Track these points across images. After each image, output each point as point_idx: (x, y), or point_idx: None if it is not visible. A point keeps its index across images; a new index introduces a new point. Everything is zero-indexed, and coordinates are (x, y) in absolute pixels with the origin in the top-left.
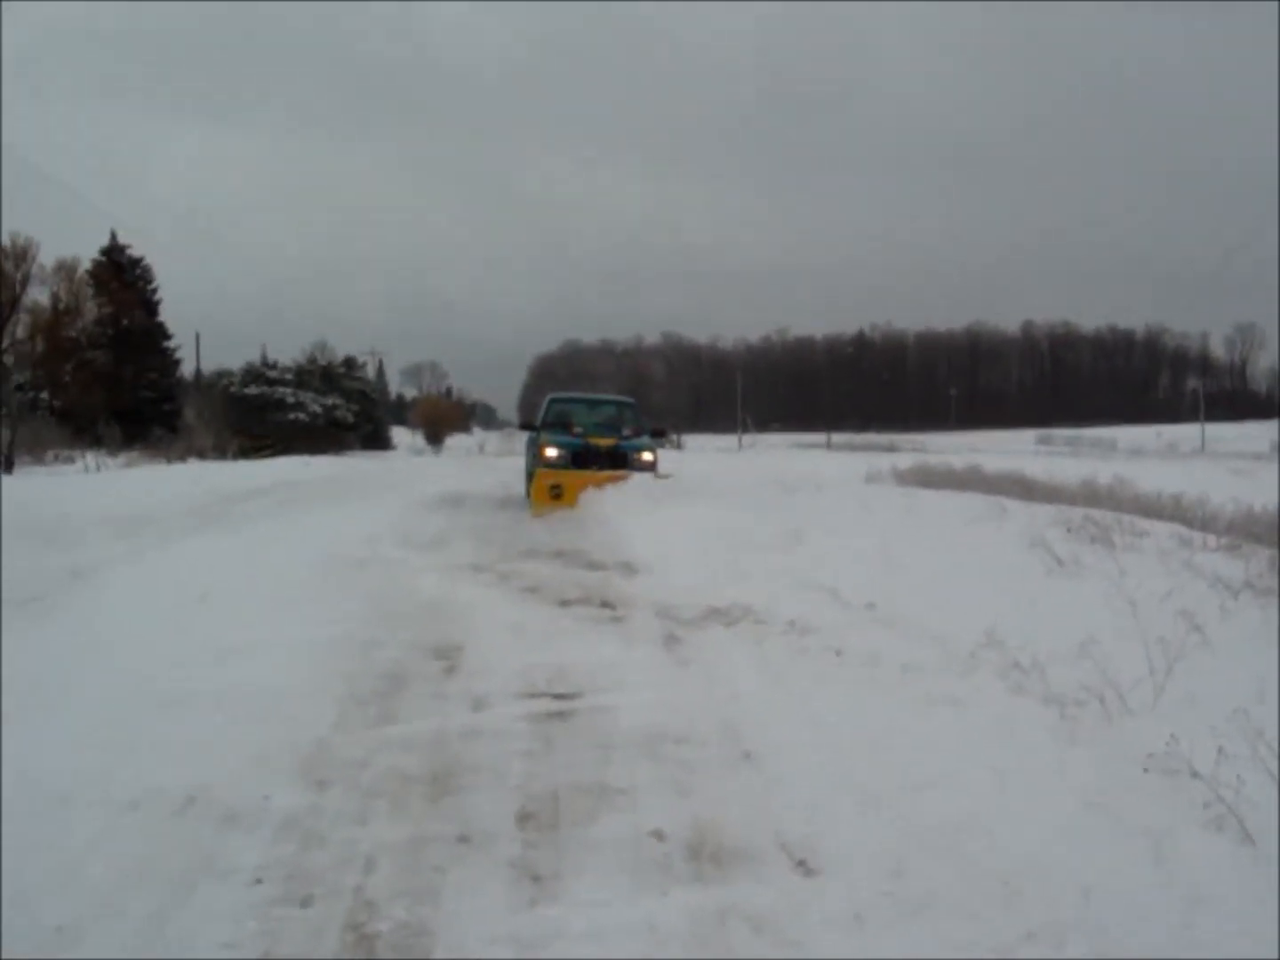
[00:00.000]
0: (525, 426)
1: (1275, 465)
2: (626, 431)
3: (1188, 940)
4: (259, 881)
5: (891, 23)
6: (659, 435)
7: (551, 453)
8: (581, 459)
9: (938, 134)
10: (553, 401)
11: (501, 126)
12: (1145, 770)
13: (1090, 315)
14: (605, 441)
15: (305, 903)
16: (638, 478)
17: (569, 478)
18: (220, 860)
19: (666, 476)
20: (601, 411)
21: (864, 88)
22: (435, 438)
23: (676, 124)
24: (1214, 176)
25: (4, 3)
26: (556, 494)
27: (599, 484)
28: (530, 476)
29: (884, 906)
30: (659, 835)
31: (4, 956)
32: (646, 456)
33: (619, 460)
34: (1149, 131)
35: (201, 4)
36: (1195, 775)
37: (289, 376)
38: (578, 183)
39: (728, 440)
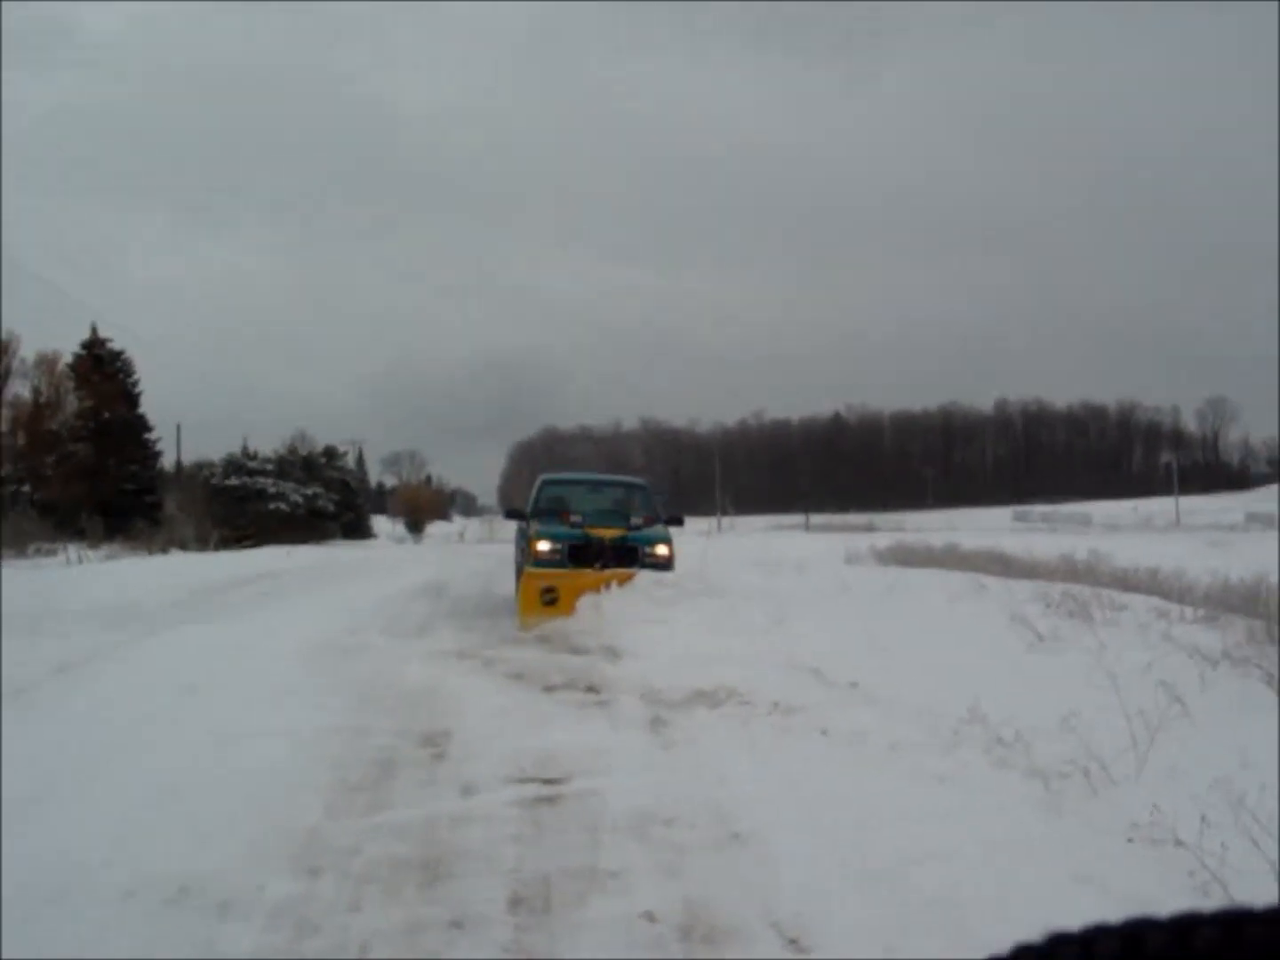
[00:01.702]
0: (512, 515)
1: (1250, 537)
2: (636, 520)
3: None
4: None
5: (847, 100)
6: (675, 524)
7: (544, 547)
8: (581, 555)
9: (909, 217)
10: (546, 484)
11: (477, 216)
12: (1130, 840)
13: (1063, 392)
14: (610, 533)
15: None
16: (645, 576)
17: (566, 580)
18: (215, 949)
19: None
20: (605, 495)
21: (835, 170)
22: (416, 526)
23: (650, 213)
24: (1183, 254)
25: None
26: (550, 600)
27: (603, 586)
28: (520, 576)
29: None
30: (650, 917)
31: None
32: (661, 551)
33: (627, 556)
34: (1120, 211)
35: (178, 101)
36: (1179, 844)
37: (270, 467)
38: (553, 270)
39: (706, 522)
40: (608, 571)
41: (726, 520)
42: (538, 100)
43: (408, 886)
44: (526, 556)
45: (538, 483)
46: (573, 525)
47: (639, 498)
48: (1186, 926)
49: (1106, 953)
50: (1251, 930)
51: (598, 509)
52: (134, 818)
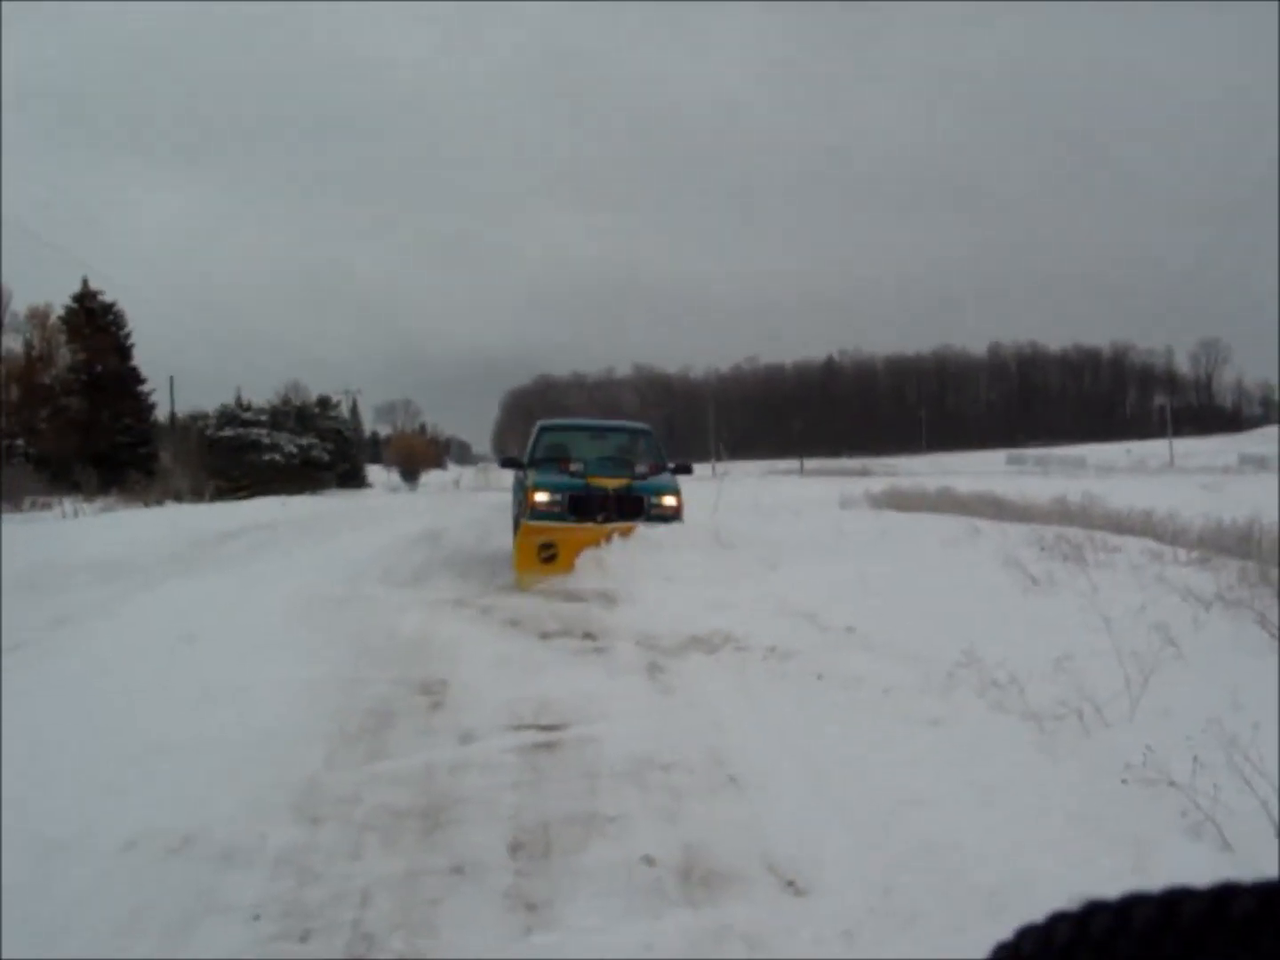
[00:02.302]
0: (509, 463)
1: (1243, 479)
2: (641, 468)
3: None
4: (257, 918)
5: (850, 52)
6: (683, 472)
7: (542, 498)
8: (583, 506)
9: (904, 160)
10: (544, 431)
11: (469, 168)
12: (1124, 782)
13: (1056, 335)
14: (614, 482)
15: (304, 937)
16: (650, 529)
17: (566, 534)
18: (218, 897)
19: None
20: (608, 442)
21: (826, 116)
22: (411, 475)
23: (642, 162)
24: (1176, 193)
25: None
26: (549, 556)
27: (604, 540)
28: (517, 529)
29: (873, 923)
30: (649, 861)
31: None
32: (669, 501)
33: (633, 507)
34: (1111, 152)
35: (175, 55)
36: (1173, 785)
37: (264, 418)
38: (546, 221)
39: (701, 468)
40: (610, 525)
41: (721, 466)
42: (528, 52)
43: (408, 834)
44: (523, 509)
45: (535, 429)
46: (573, 475)
47: (644, 444)
48: (1223, 896)
49: (1142, 920)
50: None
51: (600, 457)
52: (134, 769)
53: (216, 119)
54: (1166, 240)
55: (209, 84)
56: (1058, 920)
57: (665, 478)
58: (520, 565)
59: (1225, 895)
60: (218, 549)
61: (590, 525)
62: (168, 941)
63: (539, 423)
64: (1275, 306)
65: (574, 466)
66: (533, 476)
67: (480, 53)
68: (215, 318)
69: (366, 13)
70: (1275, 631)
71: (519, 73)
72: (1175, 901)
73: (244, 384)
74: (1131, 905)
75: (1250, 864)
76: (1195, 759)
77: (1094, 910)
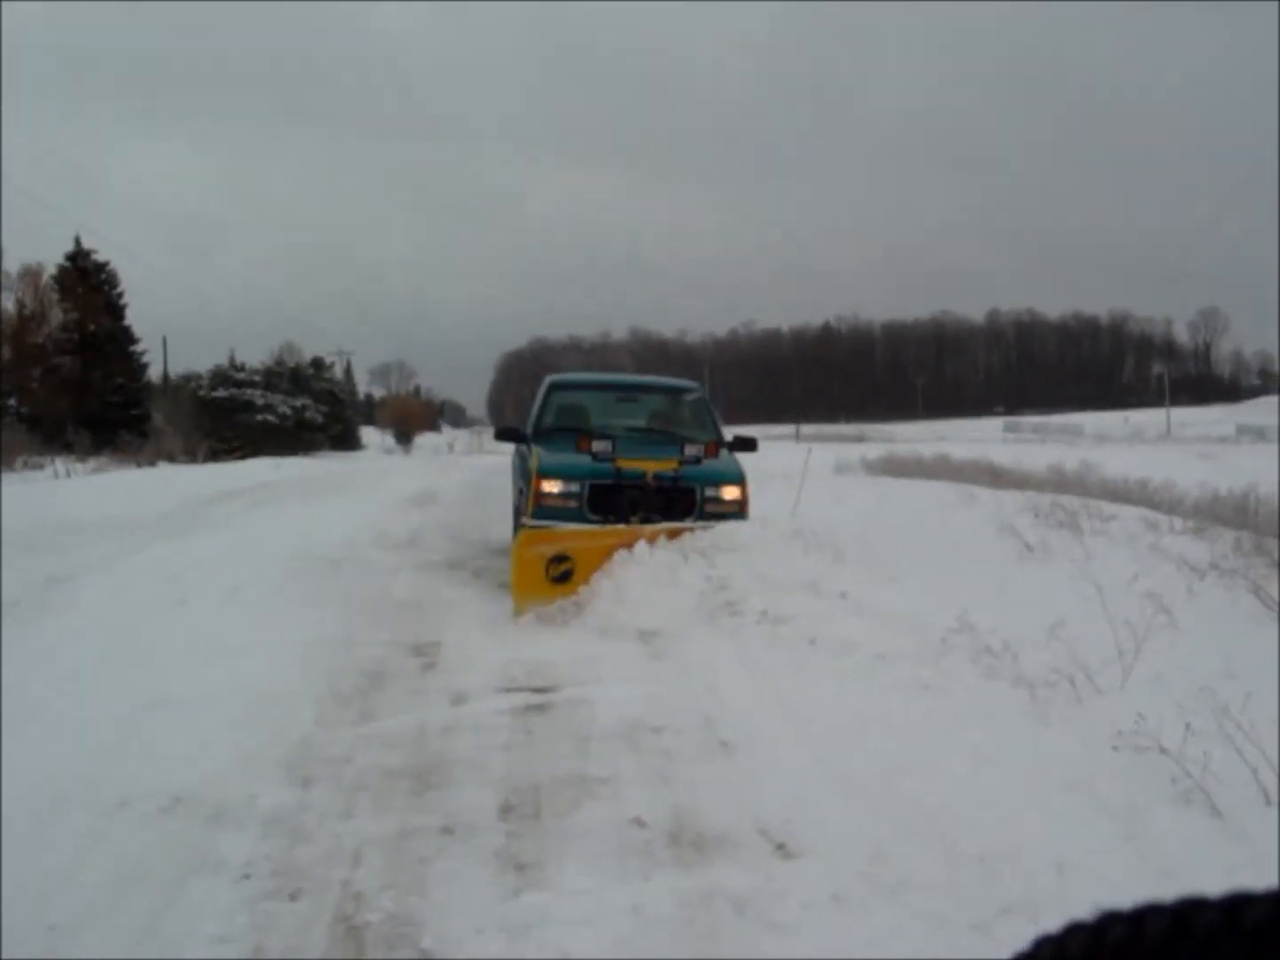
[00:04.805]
0: (506, 435)
1: (1240, 449)
2: (693, 448)
3: None
4: (247, 877)
5: (855, 19)
6: (744, 448)
7: (551, 488)
8: (609, 502)
9: (902, 127)
10: (555, 390)
11: (464, 130)
12: (1115, 749)
13: (1055, 303)
14: (654, 465)
15: (294, 896)
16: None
17: (588, 544)
18: (209, 857)
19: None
20: (642, 407)
21: (827, 80)
22: (404, 437)
23: (638, 124)
24: (1177, 164)
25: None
26: (562, 574)
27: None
28: (517, 526)
29: (862, 887)
30: (640, 823)
31: (4, 957)
32: (731, 493)
33: (681, 503)
34: (1111, 121)
35: (166, 18)
36: (1164, 752)
37: (257, 379)
38: (542, 183)
39: None
40: (650, 527)
41: None
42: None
43: (399, 795)
44: (526, 501)
45: (544, 386)
46: (597, 455)
47: (692, 411)
48: (1236, 906)
49: (1155, 930)
50: None
51: (632, 429)
52: (126, 729)
53: (210, 75)
54: (1167, 211)
55: (204, 38)
56: (1073, 931)
57: (725, 460)
58: (520, 587)
59: (1237, 905)
60: (211, 510)
61: (622, 529)
62: (159, 901)
63: (548, 378)
64: (1275, 278)
65: (597, 445)
66: (539, 455)
67: (479, 7)
68: (209, 278)
69: None
70: (1269, 601)
71: (518, 29)
72: (1188, 912)
73: (238, 345)
74: (1145, 915)
75: (1240, 831)
76: (1187, 726)
77: (1109, 921)
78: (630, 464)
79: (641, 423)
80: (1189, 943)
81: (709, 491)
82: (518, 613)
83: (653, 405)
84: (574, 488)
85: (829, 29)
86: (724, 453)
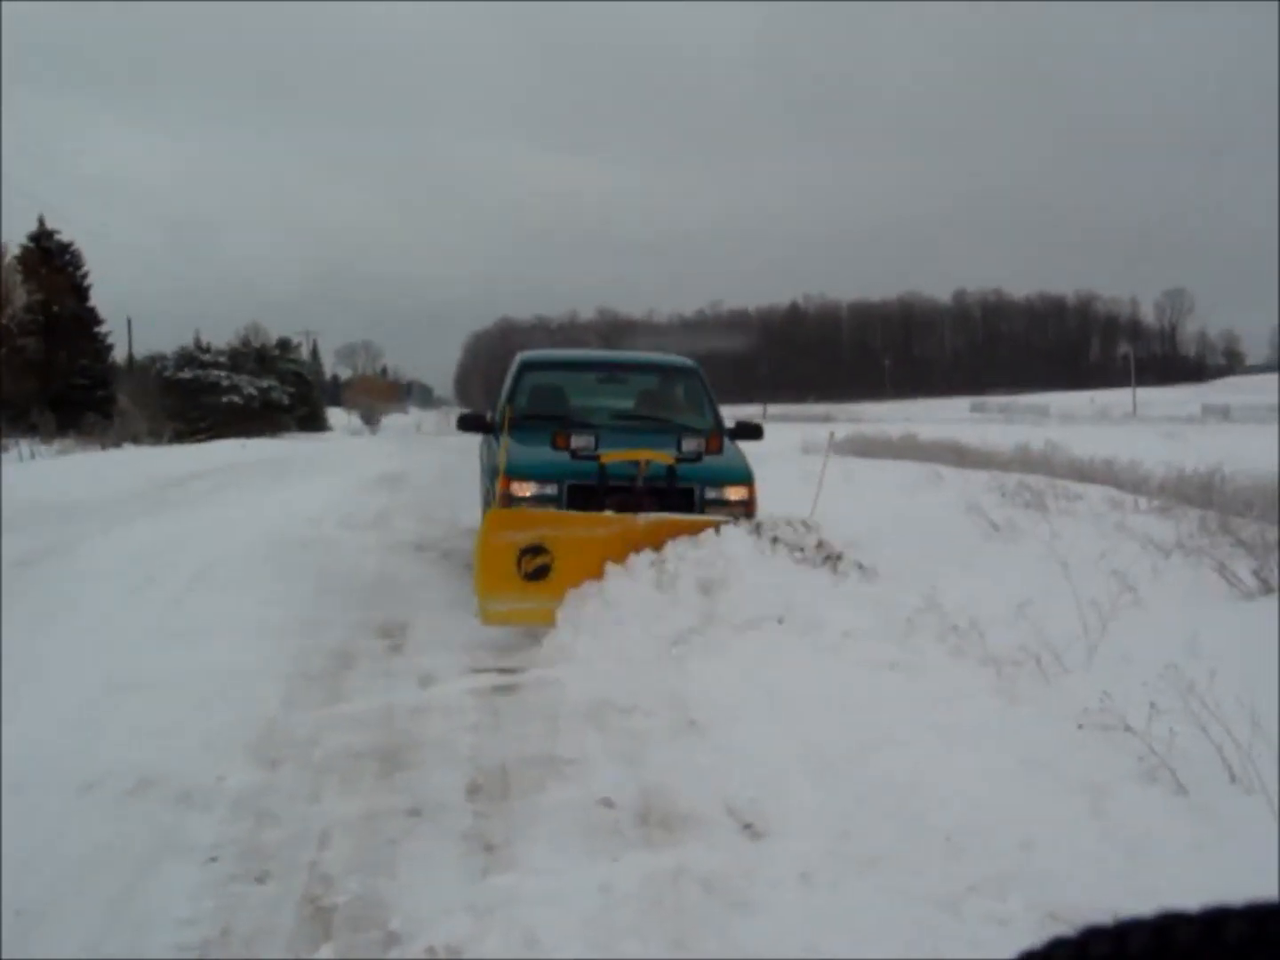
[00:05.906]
0: (471, 424)
1: (1205, 428)
2: (691, 439)
3: (1126, 888)
4: (214, 859)
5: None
6: (748, 435)
7: (522, 493)
8: (589, 506)
9: (868, 103)
10: (527, 369)
11: (430, 111)
12: (1080, 726)
13: (1021, 283)
14: (647, 456)
15: (261, 878)
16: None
17: (566, 531)
18: (176, 839)
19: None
20: (630, 389)
21: (795, 61)
22: (371, 418)
23: (603, 99)
24: (1143, 145)
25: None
26: (536, 569)
27: (633, 553)
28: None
29: (830, 865)
30: (608, 803)
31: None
32: (737, 494)
33: (678, 503)
34: (1075, 98)
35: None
36: (1129, 730)
37: (223, 359)
38: (509, 163)
39: None
40: (645, 518)
41: None
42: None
43: (366, 776)
44: (493, 495)
45: (514, 366)
46: (577, 450)
47: (688, 392)
48: (1217, 920)
49: (1138, 945)
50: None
51: (618, 416)
52: (92, 711)
53: (172, 54)
54: (1133, 190)
55: (165, 19)
56: (1057, 946)
57: (729, 454)
58: (486, 584)
59: (1218, 919)
60: (178, 491)
61: (612, 518)
62: (126, 883)
63: (520, 356)
64: (1241, 258)
65: (577, 439)
66: (508, 450)
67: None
68: (173, 259)
69: None
70: (1234, 580)
71: (483, 8)
72: (1170, 926)
73: (202, 325)
74: (1128, 931)
75: (1205, 808)
76: (1152, 705)
77: (1091, 936)
78: (617, 460)
79: (629, 408)
80: (1172, 958)
81: (710, 493)
82: (484, 619)
83: (642, 387)
84: (549, 490)
85: (797, 9)
86: (726, 444)
